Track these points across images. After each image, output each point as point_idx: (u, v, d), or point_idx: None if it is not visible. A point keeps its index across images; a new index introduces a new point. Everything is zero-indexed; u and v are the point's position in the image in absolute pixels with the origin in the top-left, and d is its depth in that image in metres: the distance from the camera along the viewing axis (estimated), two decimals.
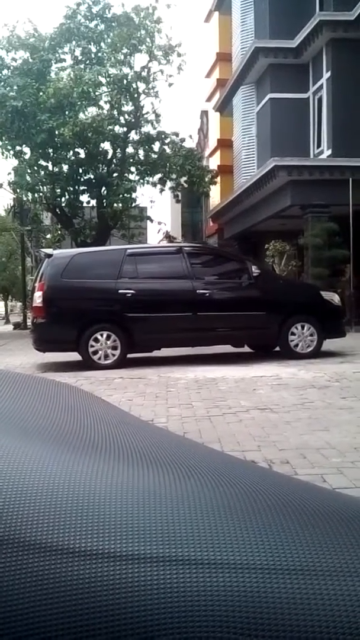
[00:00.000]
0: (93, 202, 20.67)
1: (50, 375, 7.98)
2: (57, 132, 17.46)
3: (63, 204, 20.42)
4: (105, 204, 19.25)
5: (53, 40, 19.29)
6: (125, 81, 18.77)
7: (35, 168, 18.65)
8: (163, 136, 20.13)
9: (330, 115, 16.85)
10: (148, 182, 20.38)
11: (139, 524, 0.37)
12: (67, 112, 17.72)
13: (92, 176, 20.06)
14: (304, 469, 3.46)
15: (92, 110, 18.73)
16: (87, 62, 19.59)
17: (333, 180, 15.57)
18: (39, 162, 18.88)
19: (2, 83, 18.21)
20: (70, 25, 19.35)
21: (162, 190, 21.06)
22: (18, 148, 18.96)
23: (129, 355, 9.05)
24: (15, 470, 0.41)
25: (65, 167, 19.60)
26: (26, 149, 19.08)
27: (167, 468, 0.46)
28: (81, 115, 17.91)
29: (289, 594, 0.34)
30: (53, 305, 8.87)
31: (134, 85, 19.27)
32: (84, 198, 20.77)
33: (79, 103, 17.64)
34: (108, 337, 8.90)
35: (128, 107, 19.71)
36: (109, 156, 20.33)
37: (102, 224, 20.04)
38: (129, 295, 8.88)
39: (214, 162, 26.37)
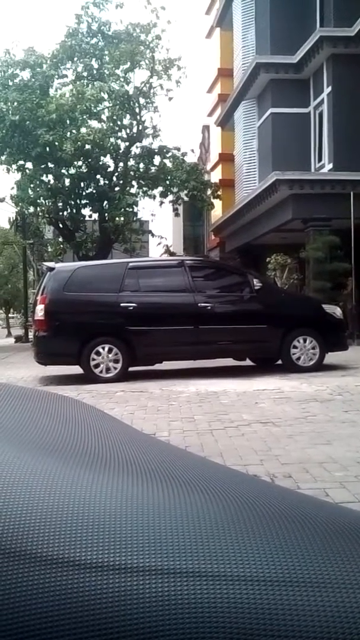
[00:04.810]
0: (95, 216, 20.75)
1: (52, 388, 7.97)
2: (57, 147, 17.55)
3: (65, 218, 20.50)
4: (107, 218, 19.32)
5: (55, 58, 19.46)
6: (126, 96, 18.93)
7: (37, 182, 18.73)
8: (165, 150, 20.27)
9: (331, 130, 16.96)
10: (149, 196, 20.46)
11: (140, 537, 0.37)
12: (68, 128, 17.84)
13: (93, 190, 20.15)
14: (306, 483, 3.44)
15: (93, 124, 18.87)
16: (90, 77, 19.76)
17: (334, 194, 15.64)
18: (41, 177, 18.95)
19: (2, 99, 18.31)
20: (72, 42, 19.54)
21: (162, 203, 21.15)
22: (20, 162, 19.06)
23: (130, 369, 9.04)
24: (17, 483, 0.41)
25: (66, 181, 19.68)
26: (28, 164, 19.19)
27: (168, 481, 0.46)
28: (83, 130, 18.03)
29: (289, 606, 0.34)
30: (55, 319, 8.86)
31: (134, 100, 19.42)
32: (86, 212, 20.85)
33: (80, 118, 17.77)
34: (110, 351, 8.89)
35: (129, 122, 19.85)
36: (111, 169, 20.44)
37: (104, 237, 20.10)
38: (131, 308, 8.88)
39: (215, 176, 26.51)
